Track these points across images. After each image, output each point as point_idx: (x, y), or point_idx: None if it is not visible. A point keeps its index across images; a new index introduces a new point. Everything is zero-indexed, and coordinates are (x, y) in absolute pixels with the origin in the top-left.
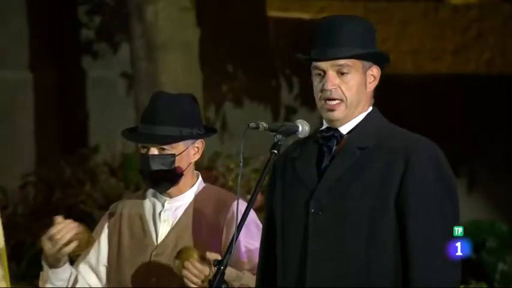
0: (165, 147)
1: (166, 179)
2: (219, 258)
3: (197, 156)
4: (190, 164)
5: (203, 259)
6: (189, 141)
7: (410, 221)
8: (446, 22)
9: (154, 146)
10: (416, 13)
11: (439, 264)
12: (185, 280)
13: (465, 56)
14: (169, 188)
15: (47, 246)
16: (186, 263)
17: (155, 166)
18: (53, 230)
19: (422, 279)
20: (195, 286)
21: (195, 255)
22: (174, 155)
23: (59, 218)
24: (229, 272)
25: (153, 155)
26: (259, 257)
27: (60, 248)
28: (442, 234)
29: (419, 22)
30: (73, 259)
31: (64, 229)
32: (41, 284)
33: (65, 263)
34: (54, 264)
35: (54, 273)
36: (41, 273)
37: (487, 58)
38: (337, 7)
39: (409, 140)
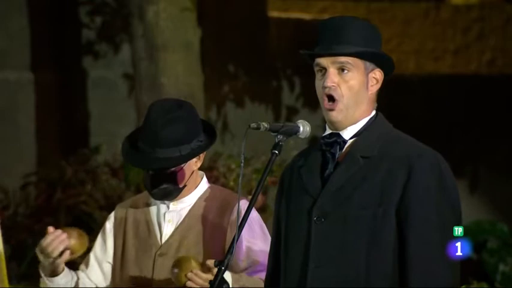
0: None
1: (170, 193)
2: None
3: (199, 164)
4: (192, 172)
5: (203, 266)
6: None
7: (410, 230)
8: (448, 22)
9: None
10: (417, 13)
11: (437, 272)
12: None
13: (466, 56)
14: (173, 199)
15: (41, 258)
16: (190, 275)
17: (158, 184)
18: (44, 243)
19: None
20: None
21: (195, 264)
22: (175, 172)
23: (50, 229)
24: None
25: (154, 174)
26: (268, 268)
27: (54, 260)
28: (442, 245)
29: (420, 22)
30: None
31: (55, 241)
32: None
33: (62, 271)
34: (51, 274)
35: (51, 281)
36: (41, 279)
37: (488, 58)
38: (338, 7)
39: (412, 149)
